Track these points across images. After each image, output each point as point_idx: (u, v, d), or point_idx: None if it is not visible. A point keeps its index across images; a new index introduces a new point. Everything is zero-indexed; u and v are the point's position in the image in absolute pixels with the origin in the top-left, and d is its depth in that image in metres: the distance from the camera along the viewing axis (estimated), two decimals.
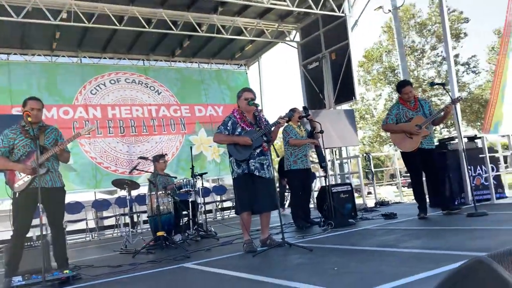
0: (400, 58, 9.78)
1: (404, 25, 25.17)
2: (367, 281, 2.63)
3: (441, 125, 22.02)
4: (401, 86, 5.78)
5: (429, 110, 5.68)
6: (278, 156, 4.37)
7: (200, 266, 3.99)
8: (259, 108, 4.70)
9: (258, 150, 4.61)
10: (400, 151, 5.83)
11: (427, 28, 25.19)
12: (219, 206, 10.92)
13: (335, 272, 3.01)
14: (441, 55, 25.03)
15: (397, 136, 5.70)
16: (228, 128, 4.66)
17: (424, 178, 6.01)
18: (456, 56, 25.37)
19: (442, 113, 5.58)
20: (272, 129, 4.66)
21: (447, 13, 7.32)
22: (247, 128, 4.63)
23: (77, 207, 9.31)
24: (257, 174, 4.57)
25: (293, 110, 6.16)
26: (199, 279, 3.50)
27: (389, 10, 10.27)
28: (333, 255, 3.82)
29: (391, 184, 21.09)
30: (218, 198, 10.75)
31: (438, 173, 5.84)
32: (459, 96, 5.76)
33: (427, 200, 6.10)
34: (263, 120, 4.74)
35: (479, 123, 23.81)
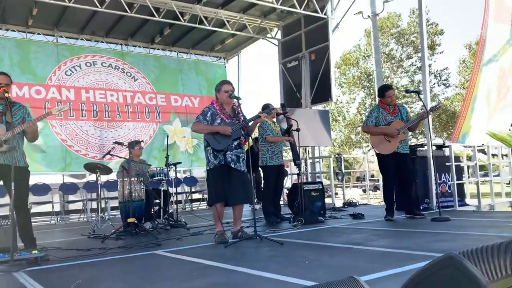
0: (376, 64, 10.02)
1: (385, 32, 25.75)
2: (338, 274, 2.73)
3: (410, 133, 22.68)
4: (384, 89, 5.94)
5: (406, 115, 5.88)
6: (257, 150, 4.44)
7: (172, 254, 4.02)
8: (240, 101, 4.75)
9: (235, 143, 4.67)
10: (376, 153, 5.99)
11: (405, 37, 25.84)
12: (189, 197, 10.90)
13: (307, 265, 3.11)
14: (415, 65, 25.75)
15: (376, 139, 5.87)
16: (207, 118, 4.69)
17: None
18: (430, 66, 26.16)
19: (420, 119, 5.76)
20: (251, 123, 4.73)
21: (425, 25, 7.56)
22: (226, 120, 4.69)
23: (44, 189, 9.10)
24: (233, 166, 4.63)
25: (271, 107, 6.26)
26: (173, 265, 3.53)
27: (368, 16, 10.50)
28: (303, 249, 3.93)
29: (357, 186, 21.53)
30: (188, 189, 10.73)
31: (409, 178, 6.02)
32: (437, 105, 5.98)
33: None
34: (241, 114, 4.80)
35: (445, 133, 24.65)
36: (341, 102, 29.00)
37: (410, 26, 25.64)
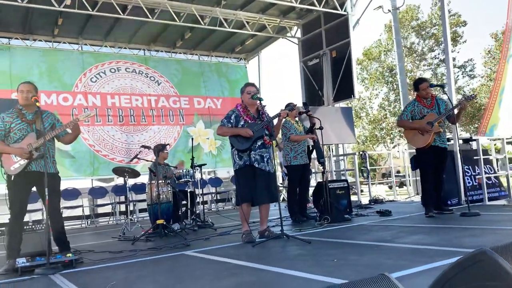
0: (398, 58, 9.92)
1: (405, 26, 25.34)
2: (366, 272, 2.74)
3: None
4: (418, 82, 5.83)
5: (445, 109, 5.68)
6: (280, 150, 4.47)
7: (202, 254, 4.09)
8: (263, 103, 4.80)
9: (259, 143, 4.71)
10: (415, 149, 5.92)
11: (426, 30, 25.36)
12: (215, 198, 11.01)
13: (334, 263, 3.13)
14: (438, 57, 25.26)
15: (409, 133, 5.79)
16: (231, 121, 4.76)
17: None
18: (453, 59, 25.63)
19: (456, 110, 5.59)
20: (275, 121, 4.76)
21: (448, 16, 7.44)
22: (249, 121, 4.74)
23: (74, 193, 9.36)
24: (257, 166, 4.67)
25: (293, 105, 6.28)
26: (202, 265, 3.60)
27: (389, 10, 10.39)
28: (331, 247, 3.93)
29: (382, 183, 21.26)
30: (213, 190, 10.84)
31: (442, 173, 5.87)
32: (474, 94, 5.83)
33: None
34: (266, 115, 4.85)
35: (472, 126, 24.09)
36: (363, 99, 28.75)
37: (430, 18, 25.15)
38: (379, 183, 21.03)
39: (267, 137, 4.69)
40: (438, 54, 25.17)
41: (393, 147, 27.86)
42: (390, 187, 20.95)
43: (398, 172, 20.71)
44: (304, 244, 4.08)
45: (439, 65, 25.31)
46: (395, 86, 25.47)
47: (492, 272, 1.52)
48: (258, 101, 4.77)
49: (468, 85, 25.51)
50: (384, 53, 26.96)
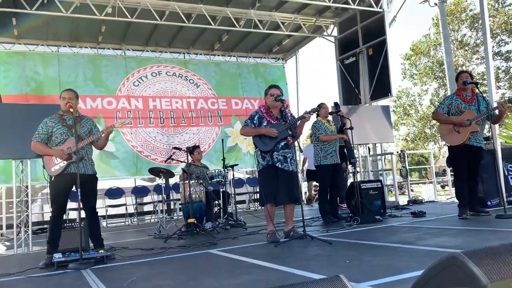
0: (446, 53, 9.64)
1: (455, 18, 24.38)
2: (372, 273, 2.75)
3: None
4: (459, 73, 5.59)
5: (486, 107, 5.40)
6: (301, 151, 4.52)
7: (224, 253, 4.21)
8: (285, 104, 4.86)
9: (282, 143, 4.78)
10: (447, 146, 5.71)
11: (479, 22, 24.23)
12: (252, 197, 11.14)
13: (346, 264, 3.14)
14: (493, 50, 24.06)
15: (444, 129, 5.53)
16: (255, 122, 4.86)
17: None
18: (509, 52, 24.33)
19: (497, 111, 5.33)
20: (298, 123, 4.80)
21: (487, 5, 7.13)
22: (273, 121, 4.82)
23: (118, 192, 9.82)
24: (280, 166, 4.74)
25: (320, 105, 6.27)
26: (221, 263, 3.72)
27: (435, 4, 10.09)
28: (350, 249, 3.93)
29: (432, 182, 20.53)
30: (251, 189, 10.98)
31: (477, 173, 5.62)
32: None
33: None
34: (289, 115, 4.90)
35: None
36: (412, 95, 27.96)
37: None
38: (430, 183, 20.33)
39: (290, 137, 4.74)
40: (493, 47, 23.95)
41: (444, 145, 26.88)
42: (443, 187, 20.23)
43: (444, 172, 19.98)
44: (325, 245, 4.10)
45: (494, 58, 24.10)
46: (445, 81, 24.55)
47: (463, 277, 1.52)
48: (281, 103, 4.84)
49: None
50: (433, 48, 26.08)
